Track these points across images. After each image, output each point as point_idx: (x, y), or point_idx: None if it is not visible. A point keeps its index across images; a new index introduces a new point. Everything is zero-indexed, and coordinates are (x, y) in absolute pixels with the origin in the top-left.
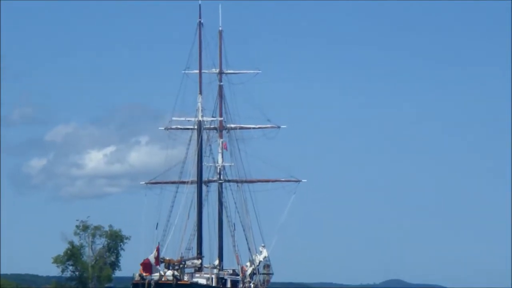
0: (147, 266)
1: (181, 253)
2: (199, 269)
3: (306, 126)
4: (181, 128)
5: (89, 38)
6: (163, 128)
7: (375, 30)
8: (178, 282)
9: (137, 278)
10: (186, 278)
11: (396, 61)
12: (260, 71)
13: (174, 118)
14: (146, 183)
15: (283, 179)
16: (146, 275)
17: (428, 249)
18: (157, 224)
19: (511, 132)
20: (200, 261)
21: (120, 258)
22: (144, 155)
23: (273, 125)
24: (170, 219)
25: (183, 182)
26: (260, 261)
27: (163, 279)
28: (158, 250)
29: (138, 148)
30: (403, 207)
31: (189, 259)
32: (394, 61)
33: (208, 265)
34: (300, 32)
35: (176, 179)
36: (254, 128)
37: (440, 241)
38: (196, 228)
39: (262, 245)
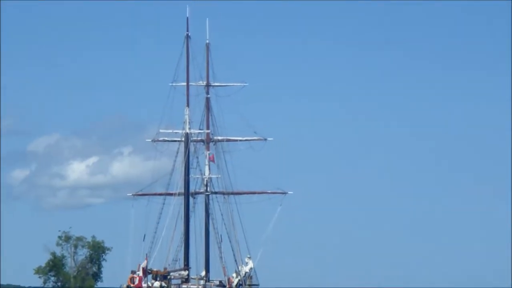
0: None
1: (168, 264)
2: (186, 280)
3: (293, 139)
4: (168, 140)
5: (74, 49)
6: (150, 140)
7: (363, 44)
8: None
9: None
10: None
11: (386, 76)
12: (246, 84)
13: (161, 130)
14: (133, 195)
15: (269, 191)
16: (134, 286)
17: (412, 260)
18: (144, 235)
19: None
20: (187, 272)
21: (102, 269)
22: (127, 166)
23: (260, 138)
24: (157, 230)
25: (170, 194)
26: (246, 272)
27: None
28: (146, 261)
29: (121, 159)
30: (388, 220)
31: (176, 270)
32: (383, 75)
33: (195, 276)
34: (286, 45)
35: (162, 190)
36: (240, 140)
37: (422, 252)
38: (182, 240)
39: (248, 256)
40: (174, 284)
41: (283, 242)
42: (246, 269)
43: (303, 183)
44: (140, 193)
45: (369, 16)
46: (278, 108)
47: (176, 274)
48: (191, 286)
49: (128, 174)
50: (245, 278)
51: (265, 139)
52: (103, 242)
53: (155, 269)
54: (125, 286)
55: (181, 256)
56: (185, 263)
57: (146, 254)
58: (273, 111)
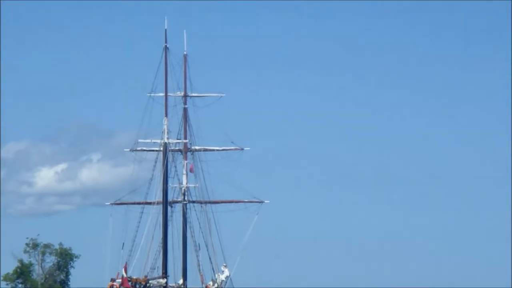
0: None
1: (147, 272)
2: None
3: (269, 149)
4: (146, 150)
5: (49, 54)
6: (128, 149)
7: (343, 53)
8: None
9: None
10: None
11: (363, 83)
12: (224, 95)
13: (140, 140)
14: (112, 204)
15: (246, 200)
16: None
17: (387, 271)
18: (123, 244)
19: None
20: (165, 280)
21: (70, 276)
22: (96, 173)
23: (237, 147)
24: (135, 239)
25: (149, 203)
26: (222, 280)
27: None
28: (125, 269)
29: (90, 166)
30: (366, 228)
31: (154, 279)
32: (361, 84)
33: (174, 285)
34: (264, 57)
35: (140, 199)
36: (218, 150)
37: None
38: (160, 248)
39: (224, 264)
40: None
41: (260, 250)
42: (222, 277)
43: (280, 192)
44: (118, 202)
45: (354, 17)
46: (255, 119)
47: (155, 282)
48: None
49: (97, 181)
50: (221, 286)
51: (242, 149)
52: (70, 249)
53: (134, 277)
54: None
55: (159, 264)
56: (163, 271)
57: (126, 262)
58: (250, 121)
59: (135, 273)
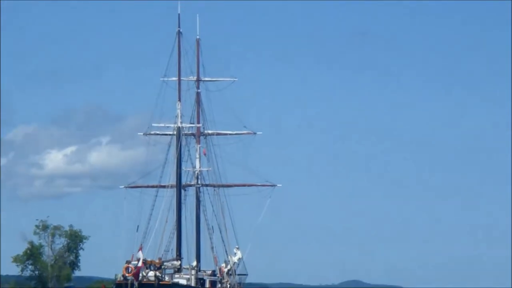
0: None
1: (161, 255)
2: (179, 270)
3: (281, 133)
4: (160, 134)
5: (63, 39)
6: (141, 133)
7: (354, 34)
8: (160, 283)
9: (120, 278)
10: (167, 278)
11: (373, 63)
12: (236, 79)
13: (153, 124)
14: (126, 187)
15: (259, 184)
16: (129, 276)
17: (387, 251)
18: (138, 226)
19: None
20: (179, 262)
21: (79, 258)
22: (105, 155)
23: (249, 131)
24: (150, 222)
25: (163, 186)
26: (234, 262)
27: (145, 280)
28: (141, 251)
29: (99, 149)
30: (377, 212)
31: (169, 261)
32: (371, 63)
33: (188, 266)
34: (276, 41)
35: (153, 183)
36: (230, 134)
37: (402, 242)
38: (174, 231)
39: (236, 246)
40: (167, 274)
41: (272, 233)
42: (234, 259)
43: (292, 176)
44: (132, 185)
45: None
46: (268, 103)
47: (169, 264)
48: (184, 276)
49: (106, 164)
50: (234, 268)
51: (255, 133)
52: (80, 231)
53: (149, 259)
54: (120, 275)
55: (173, 246)
56: (177, 253)
57: (141, 245)
58: (262, 105)
59: (149, 256)
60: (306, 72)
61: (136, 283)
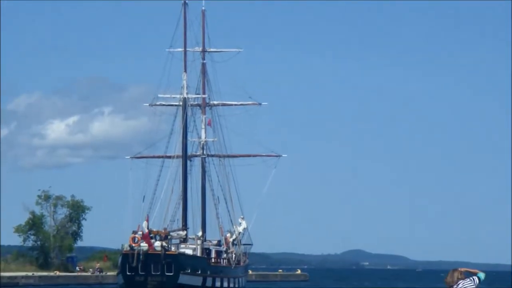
0: (147, 238)
1: (167, 225)
2: (184, 240)
3: (286, 103)
4: (165, 105)
5: (68, 11)
6: (147, 104)
7: (359, 10)
8: (166, 253)
9: (126, 248)
10: (173, 248)
11: (376, 38)
12: (241, 50)
13: (159, 95)
14: (131, 157)
15: (263, 154)
16: (136, 246)
17: (389, 221)
18: (144, 197)
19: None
20: (185, 232)
21: (81, 228)
22: (107, 125)
23: (254, 102)
24: (156, 192)
25: (169, 157)
26: (240, 232)
27: (151, 250)
28: (147, 221)
29: (101, 119)
30: (379, 186)
31: (174, 231)
32: (375, 37)
33: (193, 236)
34: (281, 12)
35: (158, 153)
36: (236, 105)
37: (403, 214)
38: (180, 201)
39: (241, 217)
40: (173, 244)
41: (277, 203)
42: (240, 229)
43: (297, 146)
44: (138, 155)
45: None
46: (272, 74)
47: (175, 234)
48: (190, 246)
49: (109, 134)
50: (239, 237)
51: (260, 104)
52: (82, 201)
53: (155, 230)
54: (127, 245)
55: (179, 216)
56: (183, 224)
57: (147, 215)
58: (267, 76)
59: (155, 226)
60: (311, 42)
61: (148, 249)
